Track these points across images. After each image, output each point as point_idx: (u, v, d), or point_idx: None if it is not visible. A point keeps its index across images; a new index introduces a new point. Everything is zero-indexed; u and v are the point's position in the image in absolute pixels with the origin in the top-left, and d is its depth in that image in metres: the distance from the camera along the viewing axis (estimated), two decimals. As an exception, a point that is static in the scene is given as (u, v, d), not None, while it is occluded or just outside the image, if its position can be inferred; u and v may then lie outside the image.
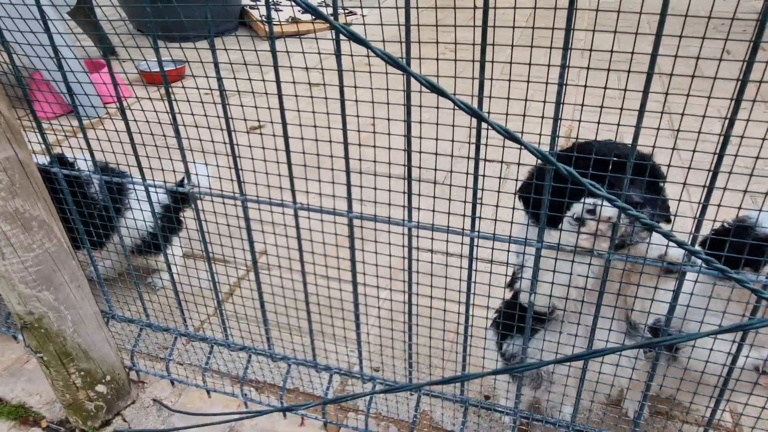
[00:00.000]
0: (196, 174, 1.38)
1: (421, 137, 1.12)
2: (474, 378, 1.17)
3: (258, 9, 5.69)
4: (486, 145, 1.08)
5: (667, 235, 0.87)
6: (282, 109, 1.19)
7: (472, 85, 1.04)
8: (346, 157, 1.20)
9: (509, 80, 1.02)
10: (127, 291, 1.93)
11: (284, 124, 1.20)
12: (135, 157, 1.37)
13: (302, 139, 1.21)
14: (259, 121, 1.20)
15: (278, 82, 1.17)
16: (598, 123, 1.03)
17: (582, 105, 1.00)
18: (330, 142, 1.18)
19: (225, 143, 1.24)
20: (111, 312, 1.74)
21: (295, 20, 5.55)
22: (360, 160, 1.18)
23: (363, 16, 5.34)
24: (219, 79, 1.18)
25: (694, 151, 1.03)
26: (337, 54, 1.10)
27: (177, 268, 2.23)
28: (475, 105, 1.05)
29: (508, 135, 0.92)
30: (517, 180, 1.09)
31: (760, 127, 0.95)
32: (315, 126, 1.14)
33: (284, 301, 1.50)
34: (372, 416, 1.72)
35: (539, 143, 1.18)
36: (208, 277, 1.49)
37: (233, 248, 1.46)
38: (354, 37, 0.92)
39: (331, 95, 1.16)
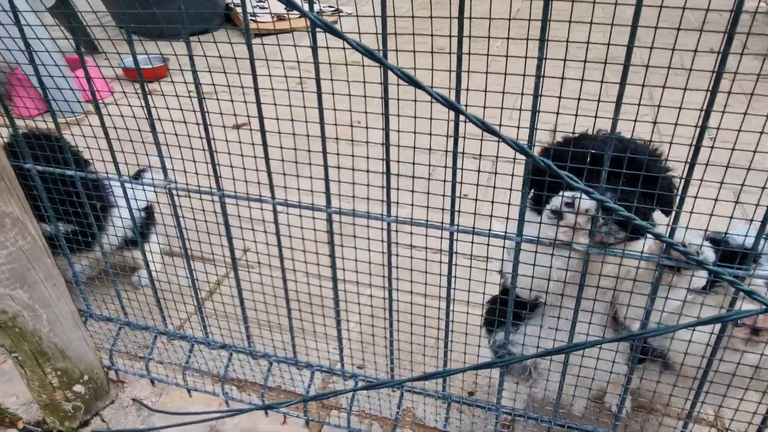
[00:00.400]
0: (173, 168, 1.36)
1: (399, 131, 1.11)
2: (455, 373, 1.17)
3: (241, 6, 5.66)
4: (464, 137, 1.07)
5: (644, 228, 0.86)
6: (259, 104, 1.18)
7: (449, 77, 1.03)
8: (324, 152, 1.18)
9: (486, 72, 1.01)
10: (105, 289, 1.90)
11: (261, 119, 1.19)
12: (111, 153, 1.35)
13: (279, 133, 1.19)
14: (236, 116, 1.18)
15: (254, 77, 1.15)
16: (576, 115, 1.03)
17: (560, 97, 1.00)
18: (307, 136, 1.16)
19: (201, 138, 1.22)
20: (89, 311, 1.71)
21: (280, 17, 5.52)
22: (338, 154, 1.17)
23: (346, 14, 5.32)
24: (194, 72, 1.16)
25: (671, 143, 1.03)
26: (313, 47, 1.08)
27: (156, 266, 2.20)
28: (452, 98, 1.04)
29: (485, 127, 0.91)
30: (495, 173, 1.08)
31: (748, 119, 0.95)
32: (292, 120, 1.13)
33: (264, 298, 1.48)
34: (354, 413, 1.71)
35: (517, 136, 1.17)
36: (187, 274, 1.47)
37: (211, 245, 1.44)
38: (329, 29, 0.91)
39: (313, 89, 1.14)
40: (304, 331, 1.54)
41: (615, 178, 1.12)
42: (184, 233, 1.40)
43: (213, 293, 2.20)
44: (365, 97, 1.07)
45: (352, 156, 1.17)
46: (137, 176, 2.05)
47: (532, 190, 1.27)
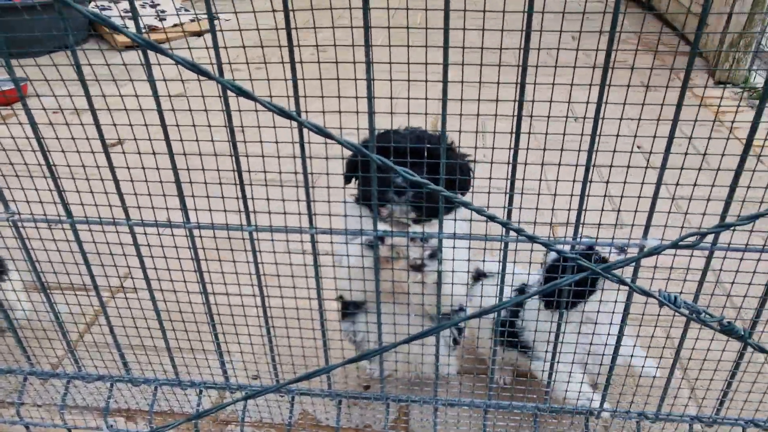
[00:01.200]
0: (13, 199, 1.28)
1: (245, 141, 1.13)
2: (331, 370, 1.21)
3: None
4: (309, 143, 1.11)
5: (466, 204, 0.94)
6: (98, 126, 1.15)
7: (285, 86, 1.06)
8: (174, 168, 1.17)
9: (320, 79, 1.06)
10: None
11: (102, 138, 1.16)
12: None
13: (124, 153, 1.17)
14: (119, 137, 1.14)
15: (88, 97, 1.12)
16: (408, 113, 1.10)
17: (390, 98, 1.06)
18: (154, 154, 1.15)
19: (40, 165, 1.17)
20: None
21: (152, 28, 5.30)
22: (188, 169, 1.17)
23: (226, 20, 5.21)
24: (21, 98, 1.11)
25: (492, 132, 1.13)
26: (146, 66, 1.07)
27: (22, 304, 2.04)
28: (292, 105, 1.07)
29: (321, 131, 0.95)
30: (345, 175, 1.13)
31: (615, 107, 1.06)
32: (135, 139, 1.11)
33: (136, 322, 1.44)
34: (250, 425, 1.71)
35: (358, 138, 1.23)
36: (47, 308, 1.40)
37: (68, 275, 1.37)
38: (150, 46, 0.90)
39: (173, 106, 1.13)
40: (182, 350, 1.51)
41: (415, 166, 1.25)
42: (37, 266, 1.33)
43: (92, 324, 2.09)
44: (206, 111, 1.08)
45: (203, 170, 1.17)
46: None
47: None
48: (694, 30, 0.98)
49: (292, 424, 1.65)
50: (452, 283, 1.26)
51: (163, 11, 5.85)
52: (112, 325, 1.42)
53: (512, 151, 1.11)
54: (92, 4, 5.49)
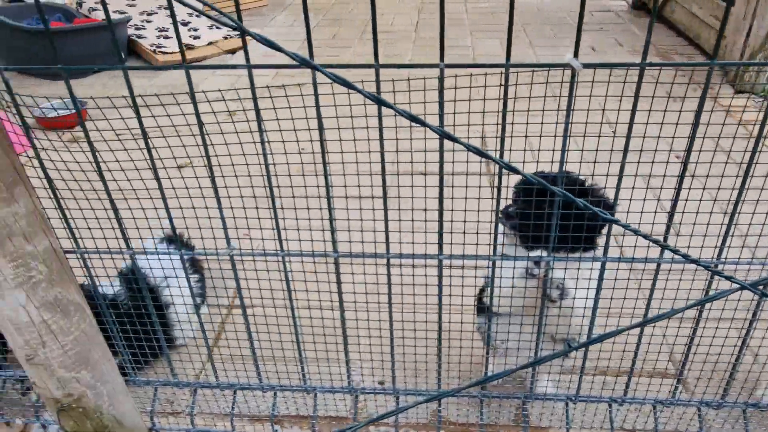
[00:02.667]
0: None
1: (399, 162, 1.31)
2: (493, 379, 1.37)
3: (146, 38, 5.26)
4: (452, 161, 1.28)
5: (626, 226, 1.08)
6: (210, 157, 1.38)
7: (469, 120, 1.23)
8: (274, 207, 1.38)
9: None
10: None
11: (213, 170, 1.35)
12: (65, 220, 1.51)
13: (196, 177, 1.37)
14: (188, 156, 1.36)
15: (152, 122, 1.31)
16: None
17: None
18: (239, 187, 1.34)
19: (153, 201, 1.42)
20: (131, 377, 1.89)
21: (189, 47, 5.22)
22: (277, 198, 1.33)
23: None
24: (81, 123, 1.36)
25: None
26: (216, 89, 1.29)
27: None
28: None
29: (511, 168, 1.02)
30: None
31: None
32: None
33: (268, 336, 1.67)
34: (390, 425, 1.90)
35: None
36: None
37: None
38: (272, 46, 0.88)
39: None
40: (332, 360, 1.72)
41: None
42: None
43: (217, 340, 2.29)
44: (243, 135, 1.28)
45: (294, 205, 1.37)
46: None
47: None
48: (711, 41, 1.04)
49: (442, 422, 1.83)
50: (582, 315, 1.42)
51: (196, 29, 5.56)
52: (259, 339, 1.68)
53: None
54: (128, 24, 5.25)
